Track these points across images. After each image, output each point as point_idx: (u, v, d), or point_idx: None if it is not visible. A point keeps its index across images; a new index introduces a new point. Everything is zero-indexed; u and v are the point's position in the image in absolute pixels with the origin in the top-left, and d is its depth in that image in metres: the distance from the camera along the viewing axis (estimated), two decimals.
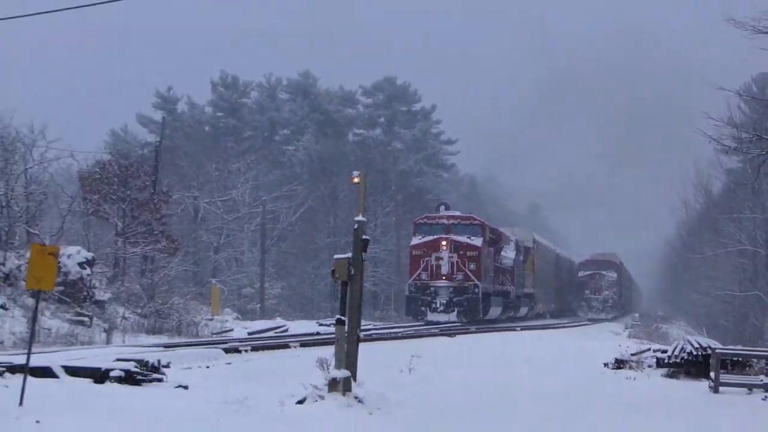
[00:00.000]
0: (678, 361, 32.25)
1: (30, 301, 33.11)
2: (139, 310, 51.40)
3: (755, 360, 30.49)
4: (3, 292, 44.11)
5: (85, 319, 45.50)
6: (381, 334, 49.57)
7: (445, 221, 71.90)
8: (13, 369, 23.79)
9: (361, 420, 19.80)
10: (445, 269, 67.35)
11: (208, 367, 30.65)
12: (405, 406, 21.79)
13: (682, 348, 32.93)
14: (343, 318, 22.97)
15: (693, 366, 31.31)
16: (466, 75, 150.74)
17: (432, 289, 66.65)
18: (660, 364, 33.39)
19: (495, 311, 72.50)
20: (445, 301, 66.27)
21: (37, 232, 50.53)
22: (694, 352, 31.70)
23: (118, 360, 26.53)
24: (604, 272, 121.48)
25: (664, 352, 34.40)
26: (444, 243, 68.09)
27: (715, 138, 42.73)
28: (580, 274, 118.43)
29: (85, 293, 47.70)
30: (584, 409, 23.96)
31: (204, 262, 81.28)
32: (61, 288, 43.04)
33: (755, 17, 27.15)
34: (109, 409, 20.02)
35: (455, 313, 65.51)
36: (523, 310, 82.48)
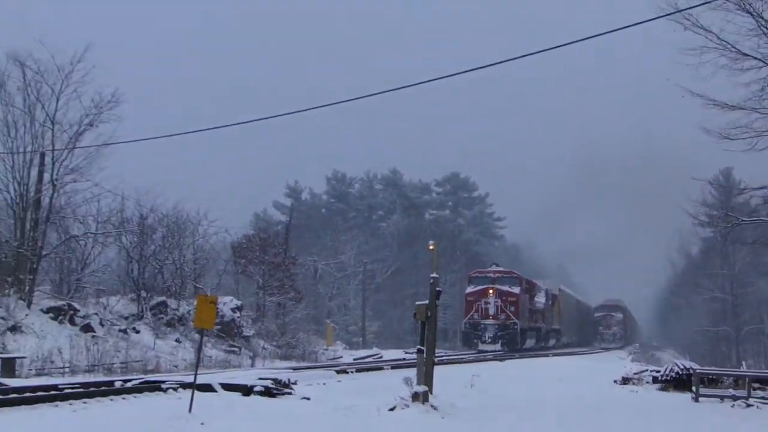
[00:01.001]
0: (668, 378, 32.32)
1: (196, 337, 33.30)
2: (275, 343, 51.67)
3: (725, 378, 30.46)
4: (178, 330, 44.50)
5: (236, 349, 45.78)
6: (450, 359, 49.28)
7: (491, 275, 71.88)
8: (184, 386, 24.10)
9: (435, 422, 19.92)
10: (491, 311, 67.24)
11: (324, 383, 30.69)
12: (468, 411, 21.81)
13: (671, 369, 33.16)
14: (422, 348, 23.11)
15: (679, 382, 31.25)
16: (512, 162, 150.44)
17: (482, 326, 66.60)
18: (655, 380, 33.39)
19: (530, 342, 72.21)
20: (492, 335, 66.22)
21: (201, 286, 51.08)
22: (680, 372, 31.91)
23: (259, 379, 26.75)
24: (613, 313, 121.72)
25: (658, 371, 34.64)
26: (491, 291, 67.91)
27: (693, 215, 43.00)
28: (596, 314, 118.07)
29: (236, 330, 48.06)
30: (600, 411, 24.28)
31: (321, 307, 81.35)
32: (219, 327, 43.32)
33: (722, 128, 26.97)
34: (252, 414, 20.38)
35: (500, 344, 65.41)
36: (552, 342, 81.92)
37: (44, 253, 43.42)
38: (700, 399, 27.71)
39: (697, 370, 30.68)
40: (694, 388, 28.61)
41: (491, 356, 58.53)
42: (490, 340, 66.46)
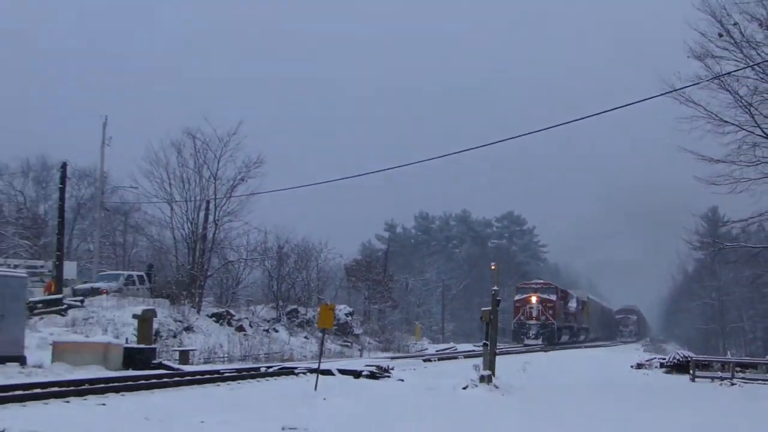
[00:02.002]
0: (672, 364, 32.26)
1: (319, 334, 33.33)
2: (377, 339, 51.57)
3: (714, 363, 30.46)
4: (306, 329, 44.64)
5: (348, 343, 45.74)
6: (507, 351, 48.75)
7: (534, 285, 71.05)
8: (311, 371, 24.17)
9: (497, 398, 19.75)
10: (534, 313, 66.32)
11: (414, 369, 30.57)
12: (522, 389, 21.58)
13: (674, 357, 33.27)
14: (487, 342, 23.08)
15: (680, 367, 31.11)
16: (555, 196, 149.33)
17: (527, 325, 65.77)
18: (662, 365, 33.40)
19: (565, 338, 71.17)
20: (534, 332, 65.33)
21: (323, 297, 51.23)
22: (681, 359, 31.90)
23: (366, 366, 26.71)
24: (629, 315, 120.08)
25: (664, 359, 34.78)
26: (534, 298, 67.07)
27: (688, 241, 43.60)
28: (616, 316, 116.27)
29: (348, 330, 48.04)
30: (620, 389, 24.19)
31: (411, 312, 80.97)
32: (336, 327, 43.28)
33: (709, 176, 26.96)
34: (361, 392, 20.34)
35: (541, 339, 64.59)
36: (582, 337, 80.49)
37: (209, 273, 44.14)
38: (696, 379, 28.01)
39: (694, 358, 31.16)
40: (691, 371, 28.94)
41: (537, 348, 58.07)
42: (533, 336, 65.64)
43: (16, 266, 40.55)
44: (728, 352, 49.02)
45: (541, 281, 76.73)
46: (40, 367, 23.14)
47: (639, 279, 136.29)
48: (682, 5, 27.37)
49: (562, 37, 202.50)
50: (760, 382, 26.69)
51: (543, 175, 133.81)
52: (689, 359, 30.94)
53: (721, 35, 24.95)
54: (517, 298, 69.16)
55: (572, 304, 77.32)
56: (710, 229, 56.14)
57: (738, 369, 28.01)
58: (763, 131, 25.57)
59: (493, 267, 28.70)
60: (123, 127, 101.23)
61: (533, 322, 67.01)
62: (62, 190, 44.35)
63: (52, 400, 15.98)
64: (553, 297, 69.56)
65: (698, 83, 24.47)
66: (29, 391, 16.75)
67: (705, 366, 29.95)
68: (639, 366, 35.27)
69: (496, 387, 21.26)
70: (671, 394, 23.27)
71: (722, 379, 26.92)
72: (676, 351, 39.72)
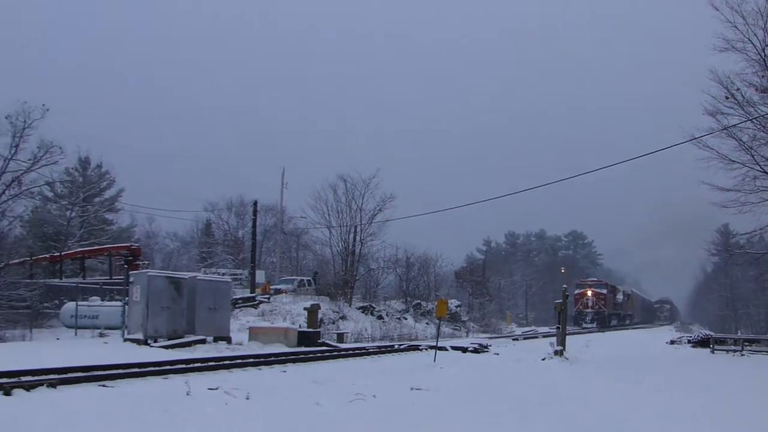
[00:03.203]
0: (696, 340, 32.00)
1: (436, 321, 33.21)
2: (479, 324, 50.98)
3: (728, 340, 30.09)
4: (427, 317, 44.50)
5: (458, 327, 45.41)
6: (571, 332, 47.44)
7: (589, 282, 69.92)
8: (431, 347, 24.04)
9: (568, 366, 19.21)
10: (590, 304, 64.91)
11: (506, 346, 30.14)
12: (586, 360, 21.03)
13: (698, 335, 33.54)
14: (559, 326, 22.68)
15: (703, 342, 30.85)
16: (609, 209, 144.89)
17: (584, 313, 64.31)
18: (689, 342, 32.77)
19: (614, 322, 68.84)
20: (590, 318, 63.81)
21: (439, 293, 50.63)
22: (703, 337, 32.03)
23: (471, 343, 26.50)
24: (665, 305, 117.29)
25: (691, 337, 34.35)
26: (589, 292, 65.58)
27: (707, 249, 44.20)
28: (654, 305, 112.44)
29: (457, 317, 47.65)
30: (659, 360, 23.33)
31: (503, 305, 79.41)
32: (448, 316, 42.91)
33: (721, 201, 26.86)
34: (468, 362, 20.15)
35: (595, 324, 62.91)
36: (627, 322, 77.36)
37: (357, 278, 44.52)
38: (715, 351, 27.83)
39: (713, 336, 31.40)
40: (711, 346, 28.86)
41: (595, 330, 56.54)
42: (589, 321, 64.07)
43: (223, 274, 41.91)
44: (738, 331, 49.53)
45: (595, 279, 75.65)
46: (240, 344, 23.84)
47: (672, 277, 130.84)
48: (697, 76, 28.61)
49: (609, 99, 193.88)
50: (762, 353, 26.69)
51: (600, 194, 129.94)
52: (709, 337, 31.15)
53: (727, 98, 25.18)
54: (576, 292, 67.53)
55: (619, 297, 75.08)
56: (723, 240, 55.41)
57: (746, 343, 27.84)
58: (761, 168, 25.72)
59: (562, 271, 29.18)
60: (294, 172, 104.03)
61: (589, 310, 65.50)
62: (254, 221, 45.87)
63: (249, 368, 16.44)
64: (604, 291, 67.99)
65: (711, 133, 24.93)
66: (233, 361, 17.29)
67: (721, 342, 29.59)
68: (672, 342, 34.87)
69: (567, 359, 20.80)
70: (696, 361, 23.44)
71: (734, 351, 27.10)
72: (699, 331, 40.29)
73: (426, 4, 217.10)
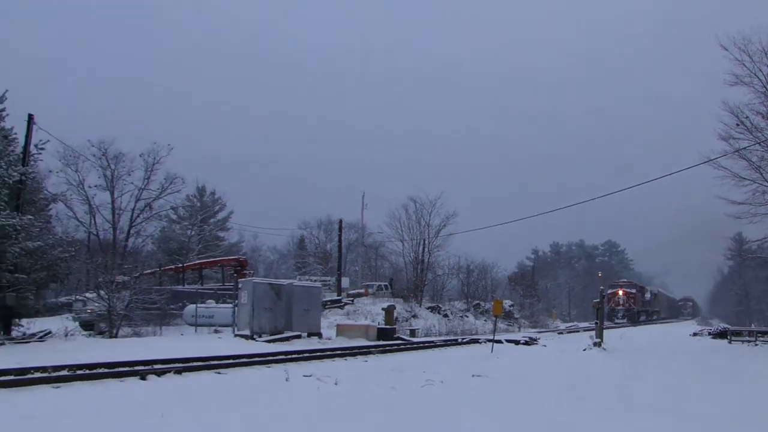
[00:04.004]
0: (716, 333, 31.13)
1: (493, 318, 32.69)
2: (529, 321, 49.86)
3: (743, 332, 29.35)
4: (485, 315, 43.77)
5: (511, 323, 44.52)
6: (607, 327, 45.82)
7: (620, 283, 66.31)
8: (489, 340, 23.58)
9: (606, 355, 18.49)
10: (621, 302, 61.75)
11: (552, 339, 29.29)
12: (622, 350, 20.22)
13: (717, 328, 33.01)
14: (597, 321, 21.92)
15: (721, 334, 29.85)
16: (641, 222, 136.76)
17: (616, 310, 61.42)
18: (709, 334, 31.68)
19: (642, 318, 65.52)
20: (621, 315, 60.75)
21: (495, 295, 49.44)
22: (721, 330, 31.41)
23: (522, 336, 26.06)
24: (688, 302, 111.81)
25: (711, 329, 33.70)
26: (621, 292, 62.66)
27: (723, 254, 44.33)
28: (678, 303, 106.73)
29: (511, 315, 46.66)
30: (683, 349, 22.22)
31: (549, 303, 77.24)
32: (504, 313, 42.10)
33: (735, 213, 26.03)
34: (520, 352, 19.76)
35: (626, 319, 60.30)
36: (655, 317, 73.94)
37: (426, 283, 44.14)
38: (732, 342, 27.06)
39: (730, 329, 31.07)
40: (728, 337, 28.19)
41: (627, 325, 54.34)
42: (620, 317, 61.08)
43: (314, 281, 42.48)
44: (752, 325, 47.53)
45: (626, 280, 72.52)
46: (329, 339, 23.92)
47: (694, 277, 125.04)
48: (712, 106, 28.30)
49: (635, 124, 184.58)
50: None
51: (631, 206, 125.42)
52: (727, 329, 30.76)
53: (737, 124, 24.87)
54: (609, 291, 65.15)
55: (647, 295, 71.97)
56: (737, 246, 53.20)
57: (759, 335, 27.03)
58: None
59: (599, 275, 28.36)
60: (372, 195, 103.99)
61: (620, 308, 62.70)
62: (339, 236, 46.53)
63: (336, 359, 16.45)
64: (634, 290, 65.16)
65: (725, 155, 24.65)
66: (324, 353, 17.36)
67: (737, 333, 28.84)
68: (694, 334, 33.50)
69: (604, 349, 20.06)
70: (716, 349, 22.73)
71: (749, 341, 26.59)
72: (718, 325, 39.96)
73: (523, 33, 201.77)
